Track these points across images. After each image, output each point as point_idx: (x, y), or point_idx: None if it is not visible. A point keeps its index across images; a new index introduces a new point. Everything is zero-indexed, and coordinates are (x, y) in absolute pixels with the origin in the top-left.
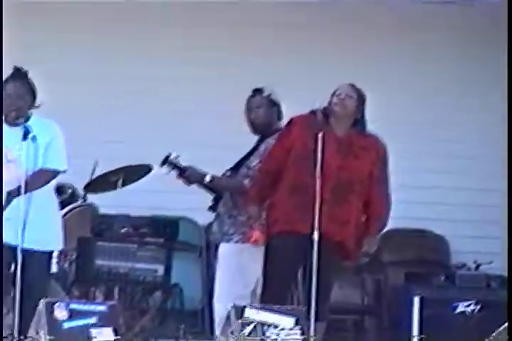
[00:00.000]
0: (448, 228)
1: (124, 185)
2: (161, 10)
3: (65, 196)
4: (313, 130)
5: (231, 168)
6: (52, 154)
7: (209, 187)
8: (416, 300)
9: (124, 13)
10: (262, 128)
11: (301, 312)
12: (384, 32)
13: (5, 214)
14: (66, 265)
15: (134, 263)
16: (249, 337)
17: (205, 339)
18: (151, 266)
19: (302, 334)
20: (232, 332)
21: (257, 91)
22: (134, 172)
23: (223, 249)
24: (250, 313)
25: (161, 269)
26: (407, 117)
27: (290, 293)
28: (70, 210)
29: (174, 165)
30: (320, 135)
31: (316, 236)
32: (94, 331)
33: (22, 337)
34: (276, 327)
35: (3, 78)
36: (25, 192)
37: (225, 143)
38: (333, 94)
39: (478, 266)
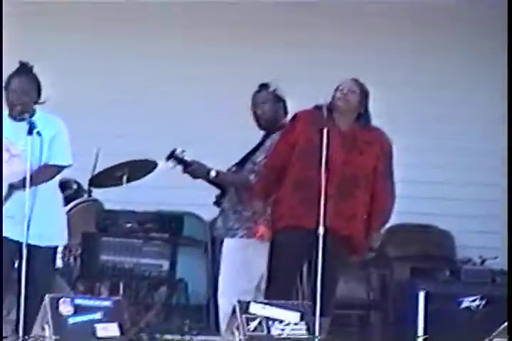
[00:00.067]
0: (453, 223)
1: (128, 181)
2: (164, 9)
3: (70, 191)
4: (317, 125)
5: (237, 164)
6: (57, 149)
7: (214, 182)
8: (421, 295)
9: (130, 11)
10: (268, 124)
11: (307, 307)
12: (389, 26)
13: (9, 210)
14: (71, 260)
15: (139, 258)
16: (254, 333)
17: (210, 335)
18: (156, 262)
19: (307, 329)
20: (237, 328)
21: (263, 86)
22: (139, 168)
23: (228, 244)
24: (255, 308)
25: (166, 264)
26: (411, 112)
27: (295, 288)
28: (75, 205)
29: (180, 160)
30: (325, 130)
31: (321, 231)
32: (99, 326)
33: (26, 337)
34: (281, 322)
35: (6, 73)
36: (30, 186)
37: (230, 138)
38: (336, 89)
39: (483, 261)
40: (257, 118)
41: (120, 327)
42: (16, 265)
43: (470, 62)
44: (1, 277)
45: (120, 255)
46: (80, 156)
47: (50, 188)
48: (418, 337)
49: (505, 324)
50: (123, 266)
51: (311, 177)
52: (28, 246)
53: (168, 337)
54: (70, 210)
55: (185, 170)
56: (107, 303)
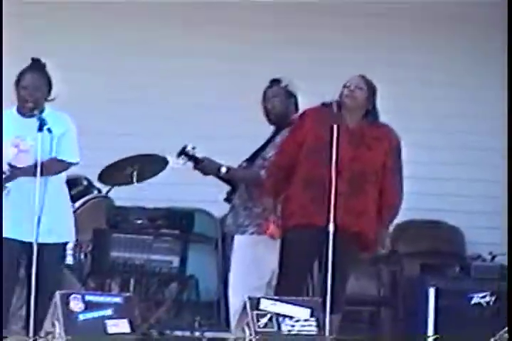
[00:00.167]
0: (463, 219)
1: (139, 179)
2: (170, 6)
3: (80, 188)
4: (325, 122)
5: (247, 159)
6: (65, 146)
7: (225, 178)
8: (431, 291)
9: (136, 8)
10: (278, 118)
11: (317, 303)
12: (399, 25)
13: (15, 207)
14: (82, 257)
15: (149, 254)
16: (264, 329)
17: (220, 331)
18: (166, 258)
19: (317, 325)
20: (247, 324)
21: (275, 81)
22: (150, 165)
23: (238, 240)
24: (266, 305)
25: (176, 261)
26: (420, 109)
27: (306, 285)
28: (86, 202)
29: (190, 157)
30: (335, 127)
31: (331, 228)
32: (109, 323)
33: (36, 338)
34: (291, 318)
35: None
36: (39, 175)
37: (239, 134)
38: (344, 86)
39: (493, 257)
40: (267, 113)
41: (131, 323)
42: (23, 264)
43: (478, 59)
44: (1, 277)
45: (131, 251)
46: (87, 153)
47: (58, 185)
48: (428, 337)
49: (506, 328)
50: (134, 262)
51: (320, 174)
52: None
53: (179, 333)
54: (80, 207)
55: (195, 167)
56: (117, 300)
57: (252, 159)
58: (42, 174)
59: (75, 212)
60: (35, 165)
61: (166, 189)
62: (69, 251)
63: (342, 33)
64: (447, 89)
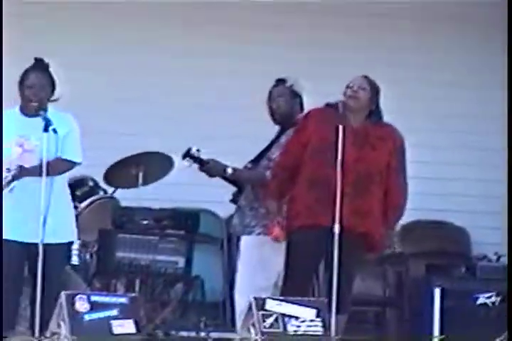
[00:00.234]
0: (468, 219)
1: (144, 182)
2: (174, 5)
3: (86, 189)
4: (330, 123)
5: (252, 160)
6: (69, 146)
7: (231, 179)
8: (437, 291)
9: (136, 7)
10: (283, 118)
11: (323, 304)
12: (401, 23)
13: (19, 208)
14: (87, 257)
15: (155, 255)
16: (270, 329)
17: (226, 331)
18: (172, 258)
19: (323, 326)
20: (253, 324)
21: (280, 81)
22: (155, 165)
23: (245, 241)
24: (271, 305)
25: (182, 261)
26: (424, 109)
27: (311, 285)
28: (92, 203)
29: (195, 159)
30: (340, 127)
31: (336, 228)
32: (115, 323)
33: (42, 338)
34: (297, 319)
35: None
36: (44, 176)
37: (243, 134)
38: (347, 87)
39: (499, 258)
40: (272, 113)
41: (136, 323)
42: (27, 265)
43: (481, 59)
44: (1, 277)
45: (136, 252)
46: (90, 153)
47: (61, 185)
48: (434, 337)
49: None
50: (139, 262)
51: (325, 175)
52: (37, 244)
53: (184, 333)
54: (86, 207)
55: (201, 169)
56: (123, 300)
57: (257, 160)
58: (47, 174)
59: (80, 212)
60: (41, 165)
61: (172, 189)
62: (74, 252)
63: (344, 33)
64: (450, 89)
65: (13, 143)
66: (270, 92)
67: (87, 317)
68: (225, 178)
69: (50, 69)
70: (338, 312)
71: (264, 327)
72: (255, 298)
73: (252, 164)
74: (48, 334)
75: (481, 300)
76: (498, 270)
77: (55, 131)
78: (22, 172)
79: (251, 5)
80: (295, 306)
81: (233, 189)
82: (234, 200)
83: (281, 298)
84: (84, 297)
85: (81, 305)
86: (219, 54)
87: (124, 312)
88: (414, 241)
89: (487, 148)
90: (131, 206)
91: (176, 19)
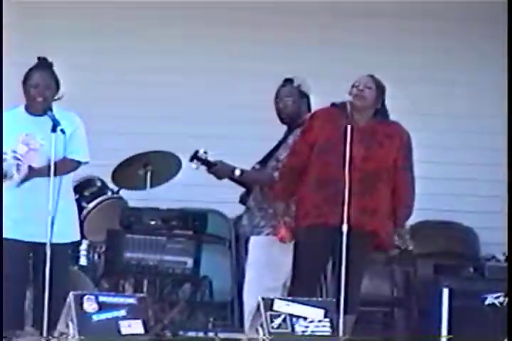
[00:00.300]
0: (477, 220)
1: (152, 184)
2: (183, 7)
3: (94, 189)
4: (336, 122)
5: (260, 162)
6: (75, 146)
7: (239, 181)
8: (445, 291)
9: (139, 7)
10: (290, 118)
11: (331, 304)
12: (409, 25)
13: (23, 208)
14: (95, 258)
15: (163, 255)
16: (278, 330)
17: (234, 332)
18: (180, 259)
19: (331, 326)
20: (261, 325)
21: (288, 81)
22: (163, 166)
23: (254, 241)
24: (279, 305)
25: (190, 262)
26: (434, 109)
27: (319, 285)
28: (100, 203)
29: (203, 161)
30: (349, 127)
31: (345, 228)
32: (123, 323)
33: (50, 338)
34: (305, 319)
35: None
36: (49, 176)
37: (250, 134)
38: (353, 86)
39: (507, 258)
40: (279, 113)
41: (144, 324)
42: (31, 265)
43: (492, 58)
44: (1, 278)
45: (144, 252)
46: (100, 153)
47: (65, 184)
48: (442, 337)
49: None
50: (147, 263)
51: (332, 174)
52: (42, 244)
53: (192, 334)
54: (94, 208)
55: (209, 171)
56: (131, 300)
57: (265, 160)
58: (55, 174)
59: (88, 212)
60: (49, 166)
61: (180, 190)
62: (83, 252)
63: (350, 33)
64: (460, 88)
65: (19, 141)
66: (278, 92)
67: (95, 318)
68: (233, 179)
69: (54, 68)
70: (346, 312)
71: (272, 328)
72: (263, 299)
73: (260, 165)
74: (56, 334)
75: (489, 300)
76: (507, 270)
77: (63, 131)
78: (31, 173)
79: (259, 5)
80: (303, 306)
81: (241, 189)
82: (243, 201)
83: (289, 298)
84: (93, 297)
85: (89, 305)
86: (226, 53)
87: (132, 313)
88: (423, 242)
89: (496, 148)
90: (139, 206)
91: (177, 19)
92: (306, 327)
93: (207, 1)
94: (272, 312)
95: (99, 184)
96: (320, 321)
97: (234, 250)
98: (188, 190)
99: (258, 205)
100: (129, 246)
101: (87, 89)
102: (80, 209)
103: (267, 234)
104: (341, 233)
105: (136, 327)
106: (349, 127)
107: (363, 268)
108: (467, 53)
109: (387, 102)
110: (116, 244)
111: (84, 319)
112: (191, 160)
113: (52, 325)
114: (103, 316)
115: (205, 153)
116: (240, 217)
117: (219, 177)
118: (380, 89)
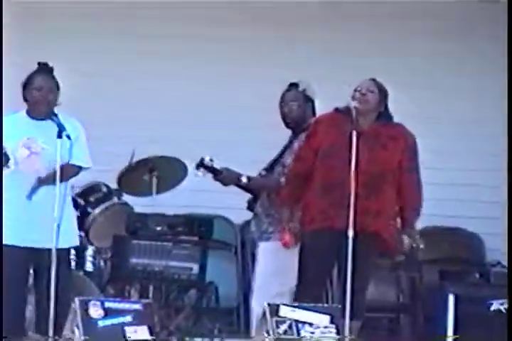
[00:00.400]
0: (482, 226)
1: (158, 190)
2: (185, 8)
3: (100, 195)
4: (339, 127)
5: (266, 168)
6: (77, 151)
7: (246, 187)
8: (451, 297)
9: (142, 8)
10: (295, 123)
11: (336, 310)
12: (413, 28)
13: (24, 214)
14: (101, 263)
15: (168, 261)
16: (284, 336)
17: (240, 338)
18: (186, 264)
19: (337, 332)
20: (267, 331)
21: (293, 85)
22: (169, 172)
23: (262, 247)
24: (285, 311)
25: (195, 267)
26: (439, 114)
27: (325, 291)
28: (106, 209)
29: (209, 169)
30: (354, 133)
31: (350, 233)
32: (129, 329)
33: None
34: (311, 325)
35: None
36: (53, 183)
37: (256, 139)
38: (355, 90)
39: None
40: (284, 117)
41: (150, 330)
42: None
43: (498, 63)
44: (1, 279)
45: (150, 258)
46: (104, 159)
47: (64, 190)
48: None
49: None
50: (153, 268)
51: (337, 179)
52: (42, 250)
53: (198, 340)
54: (100, 213)
55: (215, 178)
56: (136, 306)
57: (271, 166)
58: (60, 180)
59: (94, 218)
60: (54, 173)
61: (185, 195)
62: (89, 258)
63: (354, 37)
64: (465, 93)
65: (20, 145)
66: (283, 96)
67: (100, 324)
68: (240, 186)
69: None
70: (352, 318)
71: (278, 334)
72: (269, 305)
73: (267, 171)
74: (61, 340)
75: (494, 306)
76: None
77: (68, 137)
78: (40, 183)
79: (254, 6)
80: (309, 312)
81: (247, 195)
82: (250, 208)
83: (295, 304)
84: (98, 303)
85: (95, 311)
86: (232, 58)
87: (138, 319)
88: (428, 248)
89: (501, 153)
90: (145, 212)
91: (180, 20)
92: (312, 333)
93: (207, 1)
94: (278, 318)
95: (104, 190)
96: (326, 327)
97: (240, 256)
98: (194, 195)
99: (265, 211)
100: (135, 252)
101: (86, 91)
102: (86, 215)
103: (275, 240)
104: (347, 237)
105: (141, 333)
106: (354, 132)
107: (368, 273)
108: (469, 56)
109: (390, 106)
110: (122, 249)
111: (89, 325)
112: (197, 168)
113: (55, 330)
114: (109, 322)
115: (211, 160)
116: (247, 223)
117: (225, 185)
118: (383, 92)
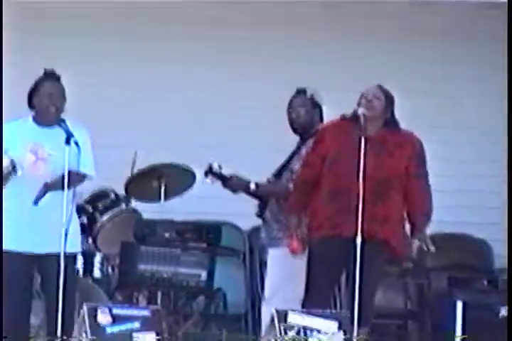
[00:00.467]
0: (490, 232)
1: (167, 196)
2: (185, 10)
3: (108, 201)
4: (346, 134)
5: (274, 174)
6: (83, 159)
7: (254, 194)
8: (459, 304)
9: (149, 13)
10: (303, 128)
11: (345, 316)
12: (419, 34)
13: (27, 219)
14: (109, 270)
15: (177, 267)
16: None
17: None
18: (194, 271)
19: (345, 339)
20: (275, 337)
21: (301, 91)
22: (177, 179)
23: (272, 253)
24: (293, 318)
25: (204, 274)
26: (446, 120)
27: (333, 297)
28: (114, 215)
29: (218, 176)
30: (363, 139)
31: (358, 240)
32: (137, 336)
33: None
34: (319, 331)
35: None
36: (59, 189)
37: (263, 145)
38: (361, 97)
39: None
40: (292, 123)
41: (158, 336)
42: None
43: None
44: (1, 281)
45: (158, 264)
46: (112, 166)
47: (68, 197)
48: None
49: None
50: (161, 275)
51: (344, 185)
52: (45, 256)
53: None
54: (108, 220)
55: (224, 185)
56: (145, 313)
57: (279, 172)
58: (62, 187)
59: (102, 225)
60: (61, 179)
61: (194, 202)
62: (97, 265)
63: (358, 38)
64: (476, 100)
65: (27, 150)
66: (290, 102)
67: (109, 330)
68: (249, 193)
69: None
70: (360, 324)
71: (286, 340)
72: (277, 311)
73: (275, 177)
74: None
75: (503, 312)
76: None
77: (77, 144)
78: (46, 189)
79: (259, 10)
80: (317, 319)
81: (255, 201)
82: (259, 214)
83: (303, 310)
84: (106, 310)
85: (103, 317)
86: (232, 58)
87: (146, 325)
88: (436, 254)
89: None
90: (154, 218)
91: (180, 20)
92: (320, 339)
93: (207, 1)
94: (286, 325)
95: (112, 196)
96: (334, 333)
97: (248, 262)
98: (202, 202)
99: (275, 217)
100: (143, 259)
101: (86, 91)
102: (94, 221)
103: (284, 246)
104: (355, 244)
105: (150, 339)
106: (363, 139)
107: (376, 280)
108: (473, 61)
109: (396, 113)
110: (130, 256)
111: (98, 331)
112: (206, 175)
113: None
114: (117, 328)
115: (220, 167)
116: (256, 230)
117: (234, 191)
118: (389, 99)
